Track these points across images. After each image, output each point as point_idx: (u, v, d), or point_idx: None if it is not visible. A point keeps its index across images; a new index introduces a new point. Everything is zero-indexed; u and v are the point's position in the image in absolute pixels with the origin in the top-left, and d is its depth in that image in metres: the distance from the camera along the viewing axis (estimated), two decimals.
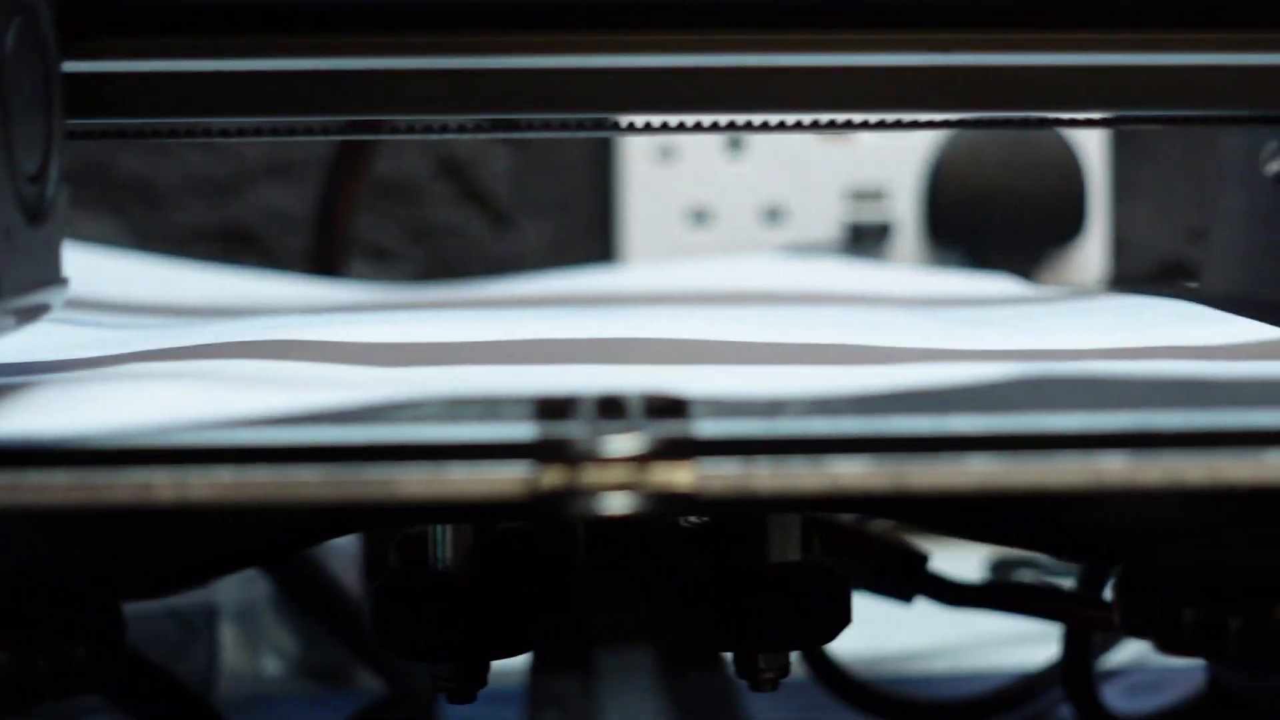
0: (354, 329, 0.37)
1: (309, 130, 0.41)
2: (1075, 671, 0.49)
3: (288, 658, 0.58)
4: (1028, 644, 0.55)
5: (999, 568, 0.65)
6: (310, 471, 0.27)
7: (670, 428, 0.27)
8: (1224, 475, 0.27)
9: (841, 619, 0.37)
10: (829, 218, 0.77)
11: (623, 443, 0.27)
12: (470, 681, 0.36)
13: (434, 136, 0.39)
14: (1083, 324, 0.40)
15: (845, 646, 0.59)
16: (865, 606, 0.49)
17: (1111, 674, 0.57)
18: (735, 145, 0.76)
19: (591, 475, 0.27)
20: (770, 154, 0.77)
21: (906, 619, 0.49)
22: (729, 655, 0.36)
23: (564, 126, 0.40)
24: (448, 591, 0.34)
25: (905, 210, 0.77)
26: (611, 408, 0.28)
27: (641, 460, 0.27)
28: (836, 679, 0.52)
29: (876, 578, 0.47)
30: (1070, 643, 0.48)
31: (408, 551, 0.36)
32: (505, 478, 0.27)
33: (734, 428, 0.27)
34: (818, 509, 0.33)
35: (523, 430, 0.27)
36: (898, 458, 0.27)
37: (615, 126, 0.44)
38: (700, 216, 0.77)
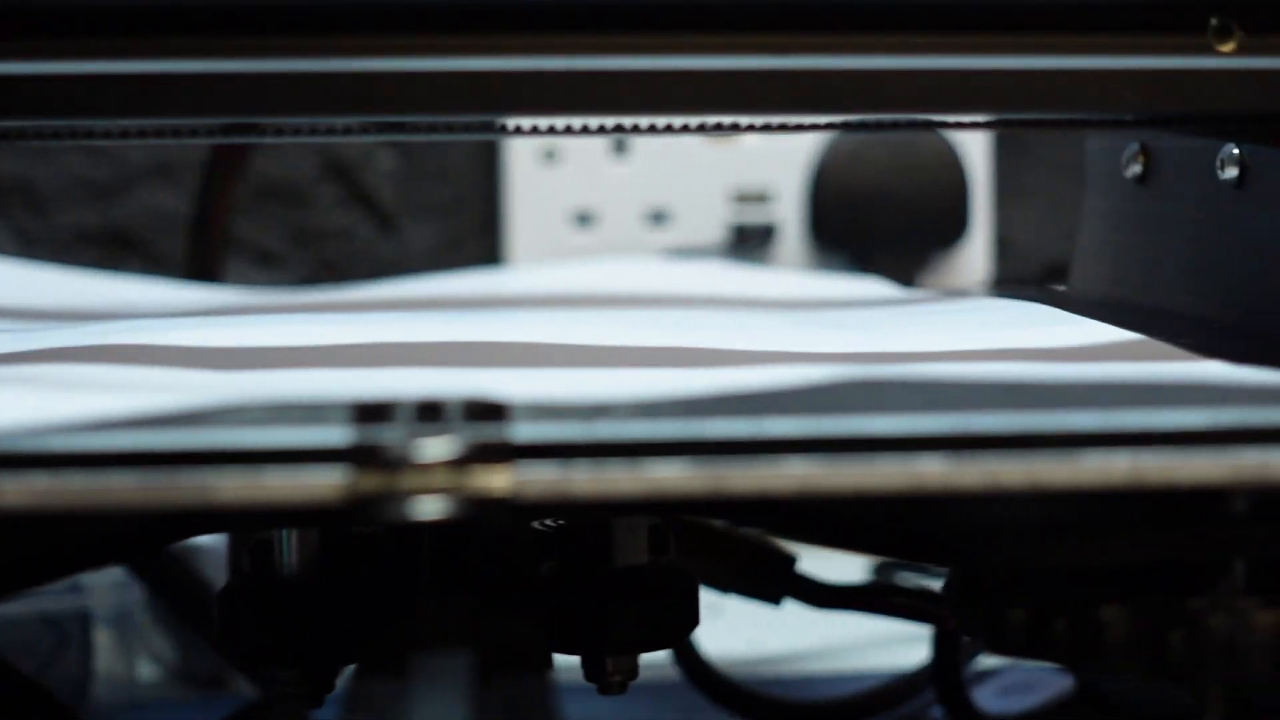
0: (198, 333, 0.37)
1: (194, 133, 0.41)
2: (945, 672, 0.50)
3: (164, 663, 0.58)
4: (915, 645, 0.55)
5: (882, 568, 0.65)
6: (126, 477, 0.27)
7: (487, 432, 0.27)
8: (1041, 477, 0.27)
9: (688, 622, 0.37)
10: (713, 220, 0.77)
11: (438, 447, 0.27)
12: (317, 686, 0.36)
13: (318, 139, 0.38)
14: (936, 326, 0.41)
15: (726, 648, 0.59)
16: (749, 609, 0.49)
17: (985, 674, 0.58)
18: (620, 148, 0.76)
19: (407, 480, 0.27)
20: (655, 156, 0.77)
21: (792, 620, 0.49)
22: (577, 658, 0.36)
23: (448, 129, 0.39)
24: (288, 597, 0.34)
25: (790, 213, 0.77)
26: (430, 412, 0.28)
27: (457, 464, 0.27)
28: (709, 681, 0.52)
29: (743, 580, 0.47)
30: (940, 644, 0.48)
31: (256, 556, 0.36)
32: (321, 483, 0.27)
33: (552, 431, 0.27)
34: (638, 512, 0.33)
35: (339, 435, 0.27)
36: (716, 461, 0.27)
37: (500, 129, 0.44)
38: (585, 219, 0.77)
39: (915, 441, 0.27)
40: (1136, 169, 0.47)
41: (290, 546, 0.35)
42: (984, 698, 0.56)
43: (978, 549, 0.31)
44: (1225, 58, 0.35)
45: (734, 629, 0.61)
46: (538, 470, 0.27)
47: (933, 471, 0.27)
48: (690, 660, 0.52)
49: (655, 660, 0.51)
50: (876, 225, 0.75)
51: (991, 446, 0.27)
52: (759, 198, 0.77)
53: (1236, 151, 0.41)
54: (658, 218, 0.77)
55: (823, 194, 0.76)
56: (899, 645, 0.59)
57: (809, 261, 0.77)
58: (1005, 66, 0.39)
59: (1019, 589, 0.31)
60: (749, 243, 0.76)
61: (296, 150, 0.78)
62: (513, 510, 0.27)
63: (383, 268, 0.79)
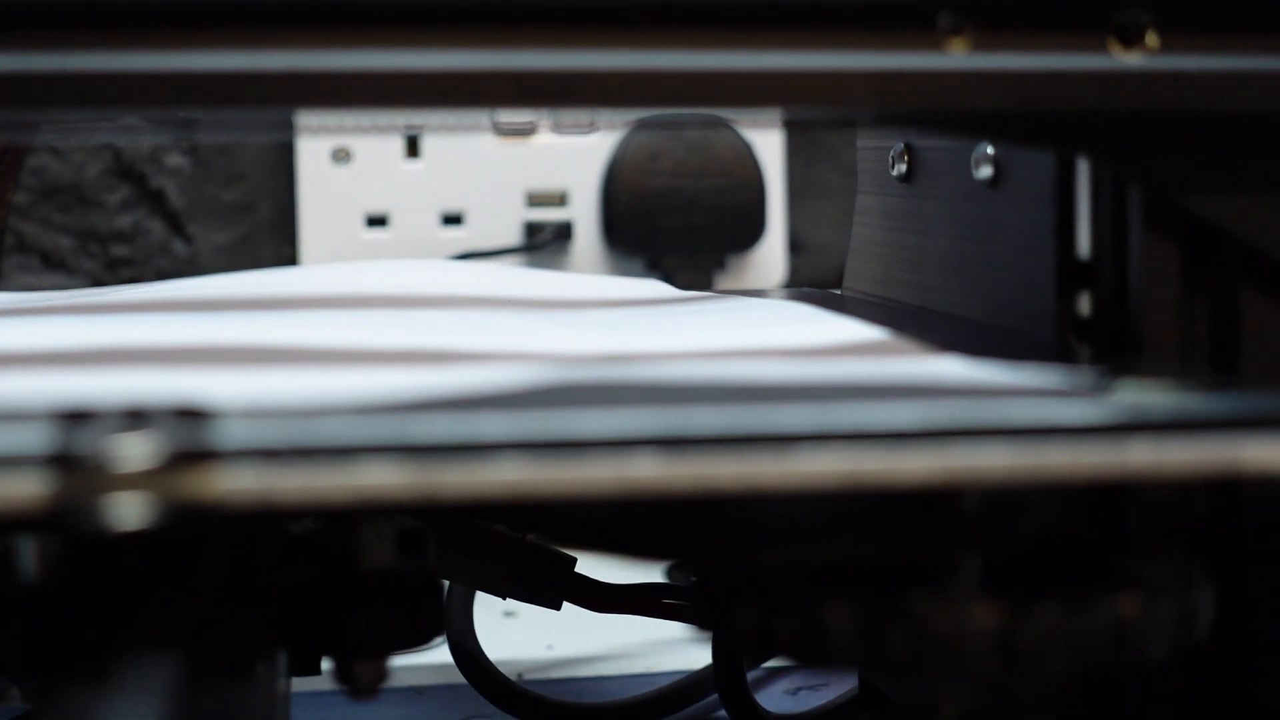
0: None
1: None
2: (726, 673, 0.50)
3: None
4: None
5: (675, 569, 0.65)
6: None
7: (191, 436, 0.27)
8: (754, 477, 0.27)
9: (432, 626, 0.36)
10: (509, 220, 0.77)
11: (141, 452, 0.26)
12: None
13: (102, 139, 0.37)
14: (692, 326, 0.41)
15: (522, 650, 0.59)
16: (545, 611, 0.48)
17: (776, 673, 0.58)
18: (412, 147, 0.76)
19: (108, 486, 0.26)
20: (448, 156, 0.76)
21: (593, 622, 0.49)
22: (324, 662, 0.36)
23: (236, 126, 0.39)
24: (18, 605, 0.33)
25: (586, 214, 0.77)
26: (135, 417, 0.27)
27: (160, 470, 0.26)
28: (490, 684, 0.52)
29: (520, 584, 0.47)
30: (719, 644, 0.48)
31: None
32: (19, 491, 0.26)
33: (258, 435, 0.27)
34: (350, 517, 0.33)
35: (40, 441, 0.26)
36: (428, 463, 0.27)
37: (289, 126, 0.43)
38: (378, 218, 0.76)
39: (629, 442, 0.27)
40: (902, 168, 0.48)
41: (27, 551, 0.34)
42: (772, 698, 0.56)
43: (703, 549, 0.31)
44: (960, 57, 0.35)
45: (530, 632, 0.61)
46: (242, 475, 0.26)
47: (645, 473, 0.27)
48: (473, 664, 0.52)
49: (445, 663, 0.51)
50: (671, 226, 0.75)
51: (704, 446, 0.27)
52: (554, 198, 0.77)
53: (990, 151, 0.41)
54: (452, 218, 0.77)
55: (616, 195, 0.76)
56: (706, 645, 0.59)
57: (605, 263, 0.76)
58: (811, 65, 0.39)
59: (745, 588, 0.31)
60: (545, 244, 0.76)
61: (84, 150, 0.77)
62: (217, 516, 0.26)
63: (175, 269, 0.78)
